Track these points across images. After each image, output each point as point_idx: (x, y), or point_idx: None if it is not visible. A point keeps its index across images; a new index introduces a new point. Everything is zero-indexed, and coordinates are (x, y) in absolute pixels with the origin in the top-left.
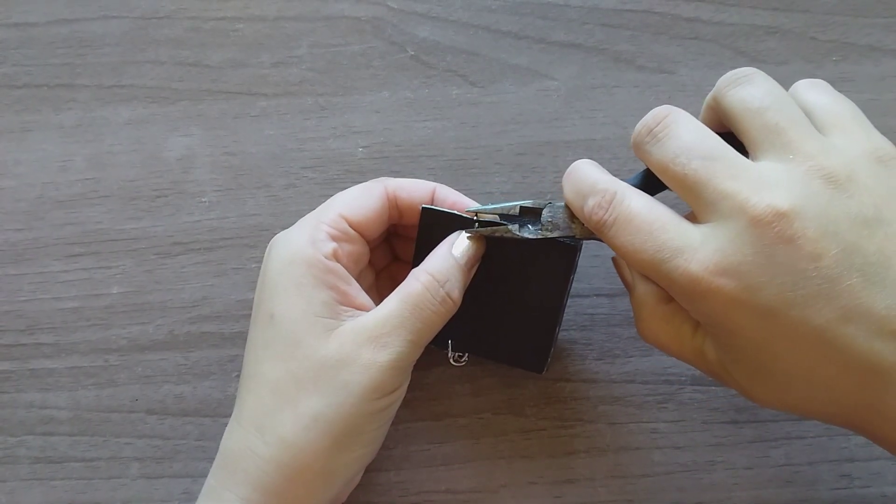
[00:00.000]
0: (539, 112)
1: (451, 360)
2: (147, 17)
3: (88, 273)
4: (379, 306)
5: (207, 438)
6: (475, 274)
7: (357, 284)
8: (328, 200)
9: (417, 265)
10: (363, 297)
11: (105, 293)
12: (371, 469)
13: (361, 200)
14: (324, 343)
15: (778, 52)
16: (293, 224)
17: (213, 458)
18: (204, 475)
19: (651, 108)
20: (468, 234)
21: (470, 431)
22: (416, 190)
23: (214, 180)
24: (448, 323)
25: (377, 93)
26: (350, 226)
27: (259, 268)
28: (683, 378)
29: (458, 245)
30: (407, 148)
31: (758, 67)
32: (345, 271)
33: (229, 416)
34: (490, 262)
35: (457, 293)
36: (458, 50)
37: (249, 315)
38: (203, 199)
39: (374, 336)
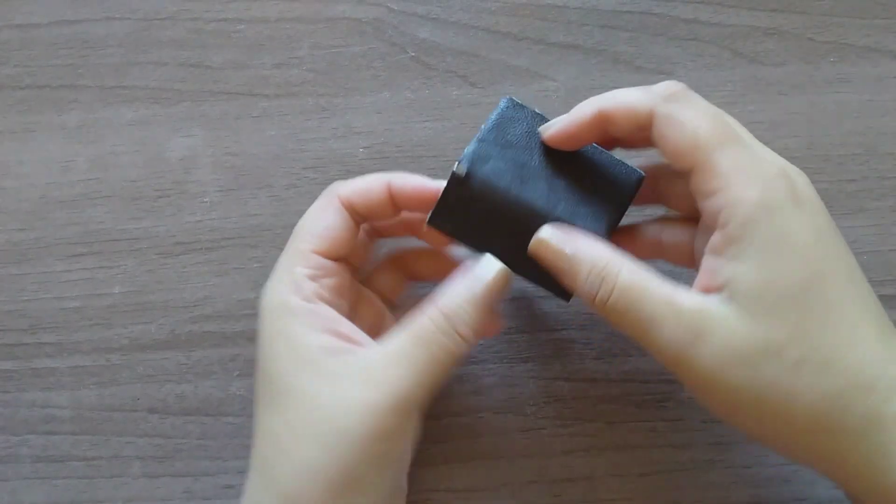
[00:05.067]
0: None
1: None
2: (149, 19)
3: (90, 273)
4: (383, 342)
5: (209, 437)
6: (531, 177)
7: (348, 322)
8: (293, 234)
9: (432, 221)
10: (358, 334)
11: (107, 293)
12: None
13: (323, 226)
14: (318, 389)
15: (776, 53)
16: (291, 223)
17: (214, 457)
18: (205, 474)
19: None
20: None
21: (470, 430)
22: (369, 191)
23: (216, 180)
24: (498, 222)
25: (378, 93)
26: (323, 257)
27: (260, 267)
28: None
29: (477, 278)
30: (407, 148)
31: (756, 68)
32: (331, 311)
33: (231, 414)
34: (553, 165)
35: (466, 329)
36: (459, 51)
37: (251, 315)
38: (205, 200)
39: (376, 378)
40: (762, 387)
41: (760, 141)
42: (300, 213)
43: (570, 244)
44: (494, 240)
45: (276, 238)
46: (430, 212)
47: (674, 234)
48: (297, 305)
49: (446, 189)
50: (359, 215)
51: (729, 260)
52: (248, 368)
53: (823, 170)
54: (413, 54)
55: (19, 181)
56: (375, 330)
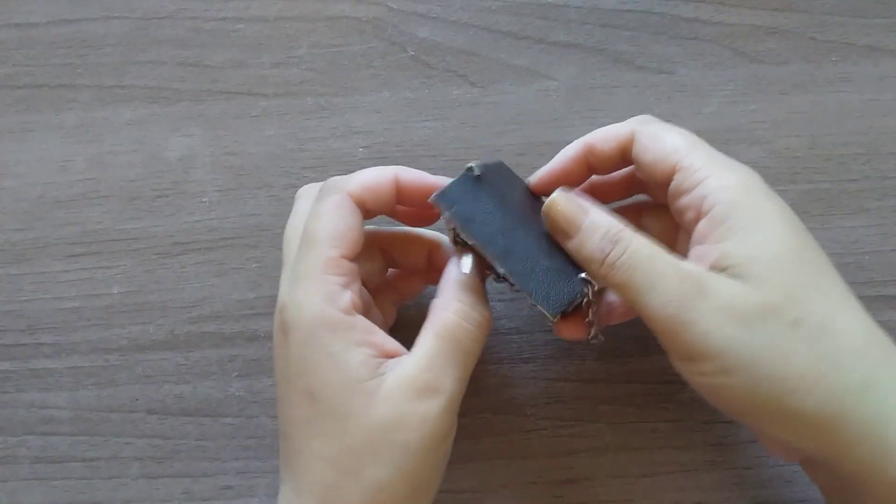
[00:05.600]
0: (539, 112)
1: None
2: (148, 18)
3: (89, 273)
4: (415, 348)
5: (208, 438)
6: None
7: (381, 331)
8: (308, 238)
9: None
10: (391, 343)
11: (105, 293)
12: None
13: (346, 228)
14: (373, 408)
15: (777, 52)
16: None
17: (213, 458)
18: (204, 475)
19: (651, 108)
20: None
21: (470, 431)
22: (379, 187)
23: (215, 180)
24: (505, 237)
25: (377, 93)
26: (349, 260)
27: (259, 267)
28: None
29: (465, 263)
30: (407, 148)
31: (757, 68)
32: (367, 322)
33: (230, 415)
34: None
35: (487, 310)
36: (459, 50)
37: (250, 315)
38: (204, 199)
39: (423, 386)
40: (759, 346)
41: (762, 140)
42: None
43: (584, 211)
44: (496, 238)
45: (275, 238)
46: (437, 191)
47: (652, 220)
48: (335, 319)
49: (459, 180)
50: (368, 212)
51: (717, 241)
52: (246, 369)
53: (825, 169)
54: (413, 53)
55: (17, 181)
56: (387, 321)
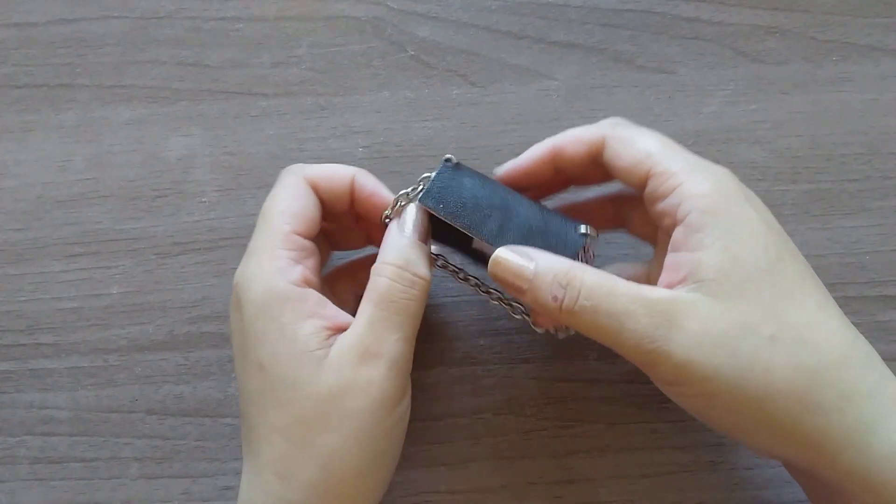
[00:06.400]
0: (539, 112)
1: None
2: (147, 17)
3: (88, 273)
4: (356, 317)
5: (207, 439)
6: (513, 217)
7: (330, 302)
8: (264, 216)
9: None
10: (344, 317)
11: (105, 293)
12: None
13: (300, 206)
14: (319, 377)
15: (778, 51)
16: None
17: (213, 458)
18: (204, 475)
19: (651, 108)
20: (413, 204)
21: (470, 431)
22: (334, 179)
23: (214, 180)
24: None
25: (377, 93)
26: (302, 237)
27: None
28: None
29: (406, 223)
30: (407, 148)
31: (758, 67)
32: (319, 295)
33: (229, 415)
34: (504, 212)
35: (422, 269)
36: (458, 50)
37: None
38: (203, 199)
39: (364, 351)
40: (741, 366)
41: (763, 140)
42: None
43: (529, 259)
44: (477, 221)
45: None
46: (422, 191)
47: (632, 209)
48: (286, 291)
49: (438, 173)
50: (323, 202)
51: (692, 250)
52: None
53: (826, 169)
54: (413, 53)
55: (16, 181)
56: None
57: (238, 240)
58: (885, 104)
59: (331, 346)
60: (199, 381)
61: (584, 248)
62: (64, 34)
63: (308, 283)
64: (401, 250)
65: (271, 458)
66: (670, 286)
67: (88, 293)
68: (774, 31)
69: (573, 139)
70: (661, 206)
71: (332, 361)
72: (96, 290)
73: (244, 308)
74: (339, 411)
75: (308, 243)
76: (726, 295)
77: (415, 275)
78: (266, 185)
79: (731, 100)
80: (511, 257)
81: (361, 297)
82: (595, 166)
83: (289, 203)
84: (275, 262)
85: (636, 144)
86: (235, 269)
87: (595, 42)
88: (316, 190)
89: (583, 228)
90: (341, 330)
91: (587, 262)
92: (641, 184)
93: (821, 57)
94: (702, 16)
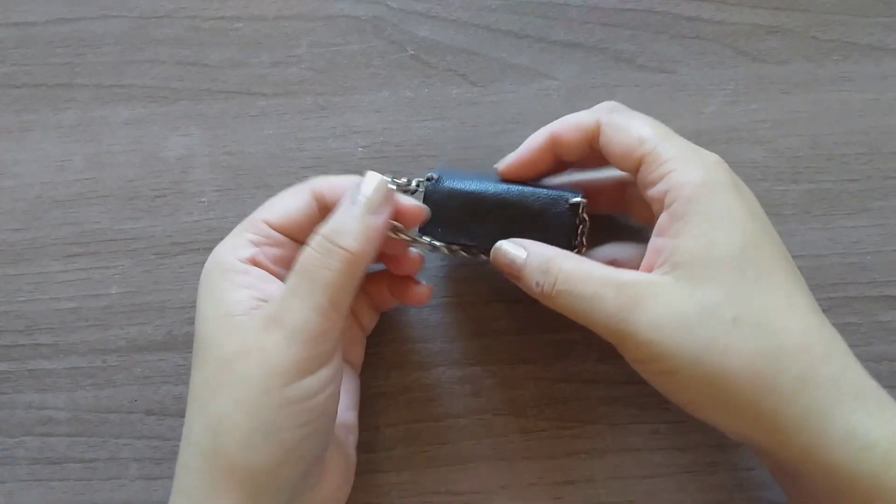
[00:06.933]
0: (539, 112)
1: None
2: (146, 17)
3: (87, 273)
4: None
5: None
6: (489, 217)
7: (278, 281)
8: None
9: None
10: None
11: (104, 293)
12: (371, 470)
13: (284, 203)
14: (227, 342)
15: (779, 51)
16: None
17: None
18: None
19: (652, 108)
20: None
21: (470, 432)
22: (339, 189)
23: (213, 180)
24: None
25: (377, 92)
26: (273, 228)
27: None
28: None
29: (361, 192)
30: (407, 147)
31: (759, 67)
32: (262, 272)
33: None
34: (499, 210)
35: (350, 240)
36: (458, 49)
37: None
38: (202, 199)
39: (268, 316)
40: (699, 347)
41: (763, 140)
42: None
43: (522, 250)
44: (478, 232)
45: None
46: (420, 226)
47: (635, 190)
48: (230, 264)
49: (426, 196)
50: (325, 207)
51: (672, 237)
52: None
53: (827, 169)
54: (412, 52)
55: (15, 180)
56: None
57: None
58: (886, 104)
59: (250, 316)
60: None
61: (578, 222)
62: (63, 34)
63: (256, 263)
64: (335, 220)
65: (185, 421)
66: (649, 269)
67: (87, 293)
68: (775, 30)
69: (570, 126)
70: (652, 192)
71: (242, 325)
72: (95, 291)
73: (201, 278)
74: (232, 375)
75: (278, 236)
76: (696, 279)
77: (338, 245)
78: (265, 184)
79: (731, 99)
80: (507, 248)
81: (376, 308)
82: (592, 151)
83: (276, 200)
84: (232, 240)
85: (629, 131)
86: None
87: (595, 41)
88: (322, 196)
89: (572, 198)
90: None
91: (584, 233)
92: (634, 169)
93: (822, 56)
94: (702, 15)
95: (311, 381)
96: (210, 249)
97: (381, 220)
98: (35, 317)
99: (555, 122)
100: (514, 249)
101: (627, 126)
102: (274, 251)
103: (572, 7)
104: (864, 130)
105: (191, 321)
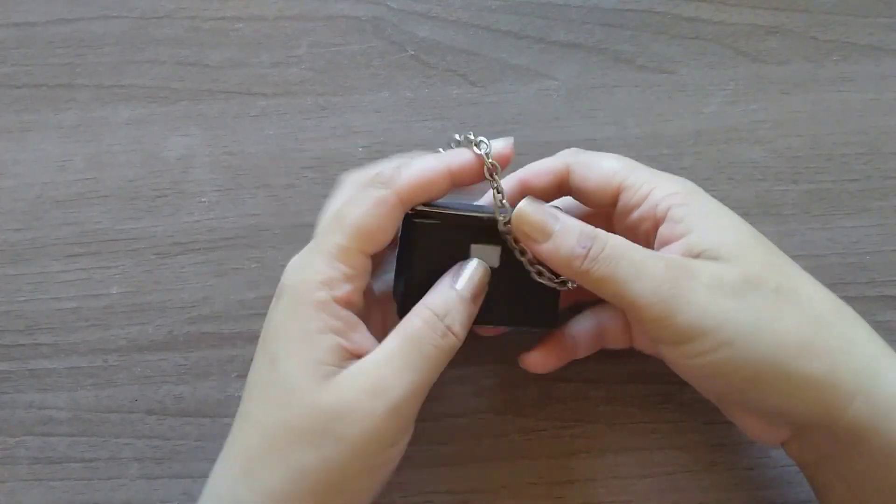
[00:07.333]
0: (539, 112)
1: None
2: (146, 17)
3: (87, 273)
4: (378, 347)
5: (207, 439)
6: None
7: (365, 327)
8: (339, 219)
9: (400, 278)
10: (370, 342)
11: (104, 293)
12: None
13: (378, 228)
14: (322, 392)
15: (779, 51)
16: (290, 222)
17: (213, 459)
18: (203, 476)
19: (652, 108)
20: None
21: (470, 432)
22: (431, 188)
23: (214, 180)
24: None
25: (377, 92)
26: (365, 255)
27: (258, 267)
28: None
29: (462, 276)
30: (407, 148)
31: (759, 67)
32: (355, 319)
33: (229, 416)
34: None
35: (458, 326)
36: (459, 50)
37: (249, 315)
38: (202, 199)
39: (373, 383)
40: (753, 314)
41: (763, 140)
42: (299, 213)
43: (554, 218)
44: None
45: (274, 238)
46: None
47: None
48: (325, 302)
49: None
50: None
51: (680, 237)
52: (246, 369)
53: (827, 169)
54: (412, 53)
55: (15, 181)
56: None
57: (238, 239)
58: (885, 104)
59: (343, 368)
60: (199, 381)
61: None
62: (63, 34)
63: (349, 304)
64: (445, 300)
65: (244, 452)
66: None
67: (88, 293)
68: (775, 30)
69: (538, 172)
70: (637, 214)
71: (340, 382)
72: (96, 291)
73: (282, 299)
74: (325, 432)
75: (367, 262)
76: (725, 258)
77: (449, 328)
78: (265, 184)
79: (731, 99)
80: (537, 212)
81: (387, 323)
82: (559, 193)
83: (367, 220)
84: (328, 273)
85: (600, 166)
86: (235, 269)
87: (595, 42)
88: (410, 203)
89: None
90: (359, 357)
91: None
92: (612, 201)
93: (821, 57)
94: (702, 15)
95: (395, 450)
96: (210, 249)
97: (476, 308)
98: (36, 317)
99: (521, 169)
100: (544, 213)
101: (597, 163)
102: (361, 283)
103: (572, 7)
104: (863, 130)
105: (191, 321)
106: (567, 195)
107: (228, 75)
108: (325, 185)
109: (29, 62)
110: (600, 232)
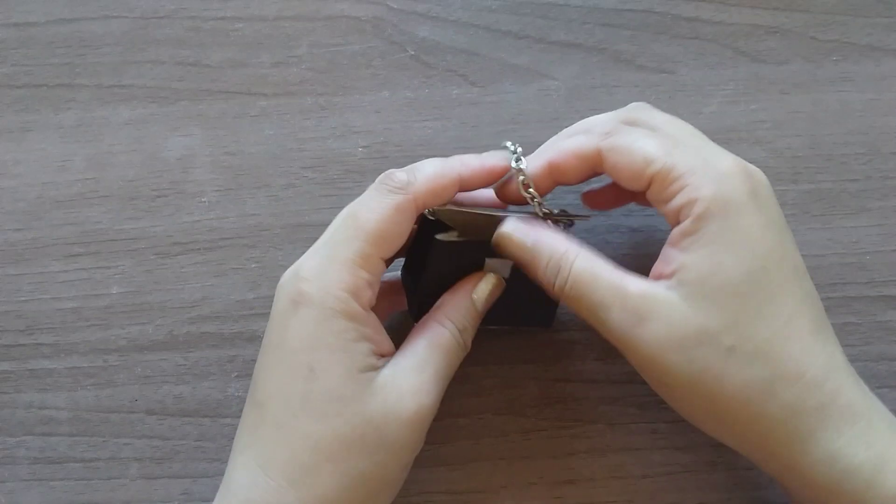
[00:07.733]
0: (539, 112)
1: None
2: (147, 17)
3: (88, 273)
4: (409, 352)
5: (207, 439)
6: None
7: (382, 326)
8: (356, 223)
9: (408, 274)
10: (388, 344)
11: (104, 293)
12: None
13: (397, 234)
14: (368, 400)
15: (778, 51)
16: (290, 222)
17: (212, 459)
18: (203, 476)
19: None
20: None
21: (470, 432)
22: (444, 192)
23: (214, 180)
24: None
25: (377, 93)
26: (384, 261)
27: (258, 267)
28: None
29: (481, 291)
30: (407, 148)
31: (758, 67)
32: (377, 321)
33: (229, 416)
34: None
35: (470, 340)
36: (459, 50)
37: (249, 315)
38: (203, 199)
39: (416, 387)
40: (695, 371)
41: (763, 140)
42: (299, 213)
43: (532, 235)
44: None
45: (274, 238)
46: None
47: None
48: (356, 311)
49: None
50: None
51: (682, 250)
52: (246, 369)
53: (826, 169)
54: (413, 53)
55: (16, 181)
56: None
57: (238, 239)
58: (885, 104)
59: (377, 370)
60: (199, 381)
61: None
62: (63, 34)
63: (372, 308)
64: (466, 315)
65: (290, 463)
66: (658, 277)
67: (88, 293)
68: (774, 30)
69: (568, 155)
70: (665, 209)
71: (381, 388)
72: (96, 291)
73: (304, 308)
74: (379, 438)
75: (382, 266)
76: (699, 300)
77: (466, 343)
78: (266, 184)
79: (731, 100)
80: (515, 234)
81: (387, 312)
82: (593, 174)
83: (387, 226)
84: (354, 281)
85: (633, 153)
86: (235, 269)
87: (595, 42)
88: (425, 207)
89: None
90: (385, 356)
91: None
92: (645, 189)
93: (821, 57)
94: (702, 15)
95: (415, 453)
96: (211, 249)
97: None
98: (36, 316)
99: (547, 148)
100: (522, 236)
101: (630, 148)
102: (377, 286)
103: (572, 7)
104: (863, 130)
105: (191, 321)
106: (602, 174)
107: (228, 75)
108: (326, 185)
109: (29, 62)
110: (566, 258)
